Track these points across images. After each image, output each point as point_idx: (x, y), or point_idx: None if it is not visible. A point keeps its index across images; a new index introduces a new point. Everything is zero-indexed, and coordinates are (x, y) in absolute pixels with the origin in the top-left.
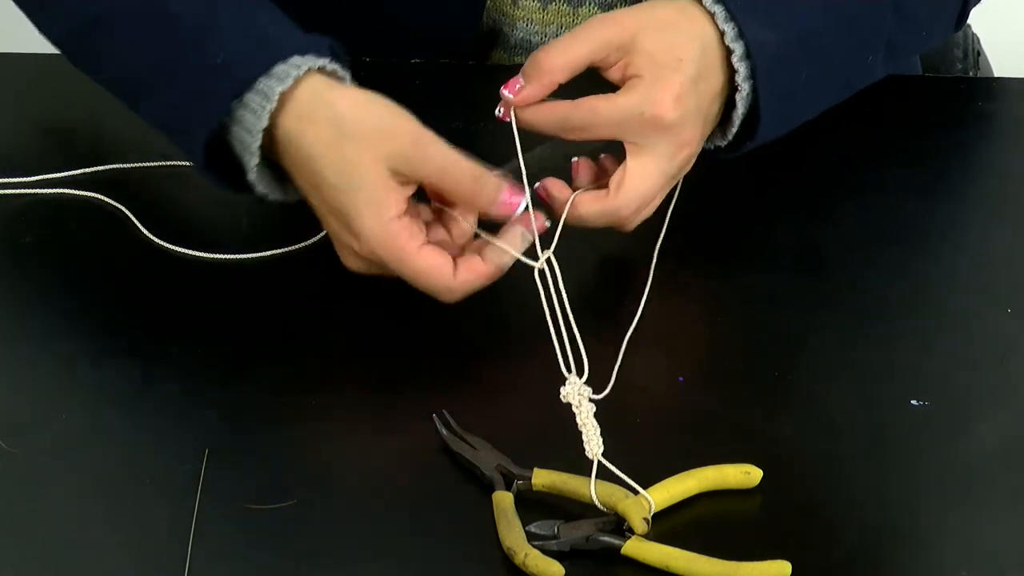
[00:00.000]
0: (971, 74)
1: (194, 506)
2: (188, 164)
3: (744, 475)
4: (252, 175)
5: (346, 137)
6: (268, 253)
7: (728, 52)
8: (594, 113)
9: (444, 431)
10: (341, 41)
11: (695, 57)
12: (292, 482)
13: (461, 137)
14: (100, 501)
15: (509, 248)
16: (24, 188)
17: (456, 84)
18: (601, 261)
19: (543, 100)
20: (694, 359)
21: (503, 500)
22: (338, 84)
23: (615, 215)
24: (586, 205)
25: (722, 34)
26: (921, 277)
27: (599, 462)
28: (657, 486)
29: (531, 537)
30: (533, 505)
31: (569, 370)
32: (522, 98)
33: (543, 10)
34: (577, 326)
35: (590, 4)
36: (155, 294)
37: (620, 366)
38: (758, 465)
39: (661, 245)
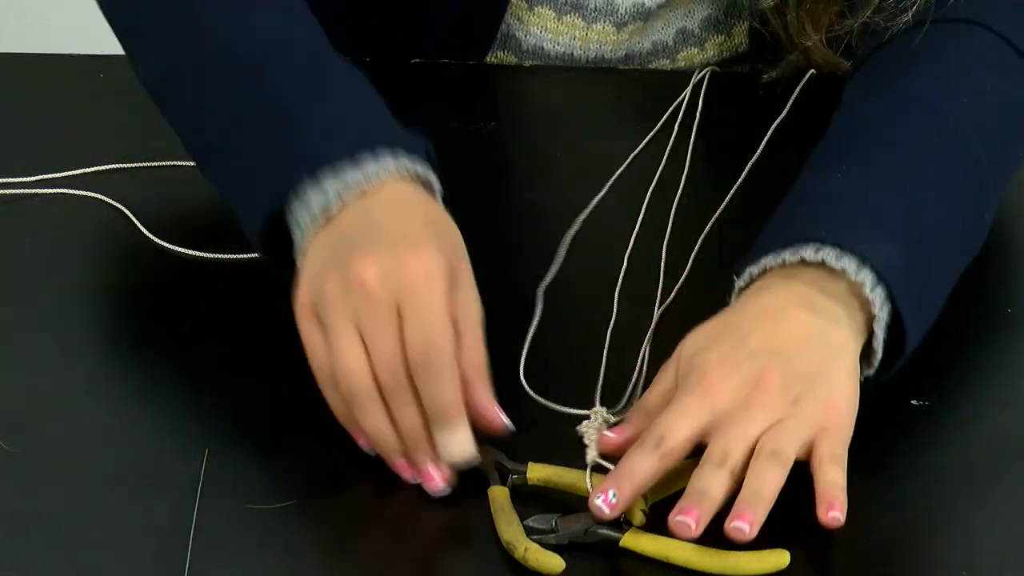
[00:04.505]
0: None
1: (194, 506)
2: (188, 164)
3: None
4: (299, 254)
5: (418, 214)
6: None
7: (853, 288)
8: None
9: None
10: (359, 46)
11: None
12: (292, 482)
13: (460, 137)
14: (100, 501)
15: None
16: (24, 188)
17: (456, 84)
18: (607, 264)
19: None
20: None
21: (499, 495)
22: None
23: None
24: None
25: (841, 272)
26: None
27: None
28: None
29: (529, 531)
30: (528, 499)
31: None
32: (626, 439)
33: (558, 20)
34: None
35: (604, 22)
36: (155, 294)
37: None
38: None
39: (667, 243)
